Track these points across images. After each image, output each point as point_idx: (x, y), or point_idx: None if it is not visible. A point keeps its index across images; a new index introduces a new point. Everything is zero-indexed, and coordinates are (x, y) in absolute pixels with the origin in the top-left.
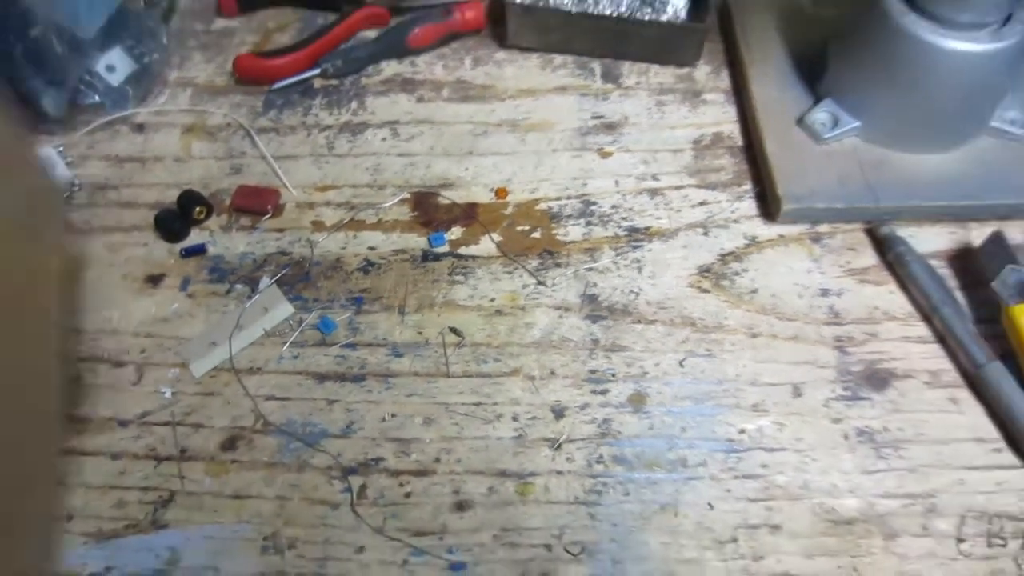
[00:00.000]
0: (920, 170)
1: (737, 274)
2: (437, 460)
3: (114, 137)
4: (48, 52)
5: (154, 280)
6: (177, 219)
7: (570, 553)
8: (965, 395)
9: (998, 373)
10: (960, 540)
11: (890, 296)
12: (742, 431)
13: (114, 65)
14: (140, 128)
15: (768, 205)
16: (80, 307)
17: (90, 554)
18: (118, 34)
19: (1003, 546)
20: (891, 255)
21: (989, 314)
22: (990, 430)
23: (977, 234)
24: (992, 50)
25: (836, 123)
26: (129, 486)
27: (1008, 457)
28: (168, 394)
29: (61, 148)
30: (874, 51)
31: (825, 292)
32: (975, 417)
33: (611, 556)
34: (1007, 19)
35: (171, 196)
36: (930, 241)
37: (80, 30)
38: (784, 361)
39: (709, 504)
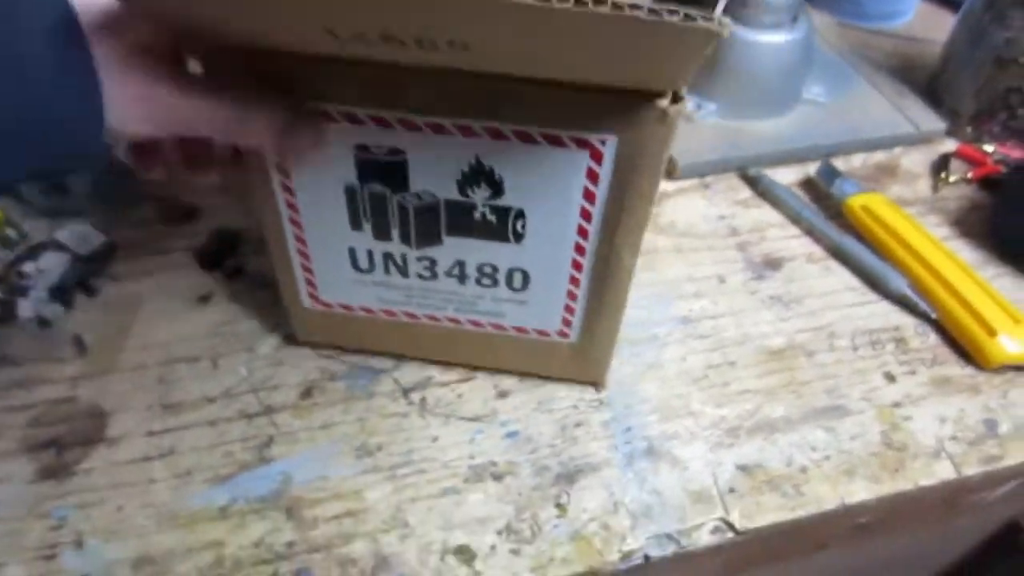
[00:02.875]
0: (764, 131)
1: (657, 216)
2: (476, 368)
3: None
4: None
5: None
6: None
7: (592, 407)
8: (834, 264)
9: (850, 244)
10: (855, 348)
11: (766, 214)
12: (691, 310)
13: None
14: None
15: (668, 170)
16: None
17: (214, 492)
18: None
19: (883, 348)
20: (760, 187)
21: (834, 212)
22: (855, 283)
23: (812, 167)
24: (788, 39)
25: (700, 108)
26: (232, 440)
27: (872, 296)
28: (244, 371)
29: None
30: (712, 52)
31: (722, 217)
32: (844, 276)
33: (622, 402)
34: (795, 19)
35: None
36: (783, 175)
37: None
38: (707, 263)
39: (683, 358)
